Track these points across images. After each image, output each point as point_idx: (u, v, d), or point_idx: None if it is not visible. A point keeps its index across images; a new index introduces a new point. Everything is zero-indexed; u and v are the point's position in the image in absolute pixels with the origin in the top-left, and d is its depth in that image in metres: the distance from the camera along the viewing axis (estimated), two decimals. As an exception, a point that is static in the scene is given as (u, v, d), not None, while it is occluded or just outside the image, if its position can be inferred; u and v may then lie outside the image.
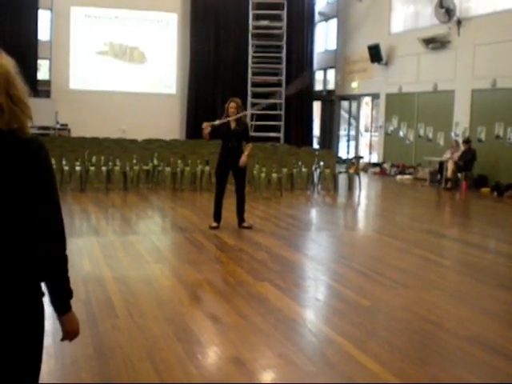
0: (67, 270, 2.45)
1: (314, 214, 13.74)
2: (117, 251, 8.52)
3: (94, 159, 15.52)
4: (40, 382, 2.45)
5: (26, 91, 2.29)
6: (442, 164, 18.34)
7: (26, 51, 23.81)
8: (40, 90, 25.27)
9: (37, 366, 2.42)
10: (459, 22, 19.14)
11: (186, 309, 6.01)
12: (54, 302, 2.43)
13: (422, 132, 21.28)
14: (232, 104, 10.17)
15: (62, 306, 2.46)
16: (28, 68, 24.00)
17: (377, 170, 22.49)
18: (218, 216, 10.31)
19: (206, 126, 10.03)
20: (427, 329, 5.69)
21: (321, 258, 8.97)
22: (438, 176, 18.53)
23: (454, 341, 5.38)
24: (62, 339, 2.53)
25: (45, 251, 2.35)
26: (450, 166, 17.77)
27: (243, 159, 10.23)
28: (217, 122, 10.16)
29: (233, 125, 10.18)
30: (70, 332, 2.50)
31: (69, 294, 2.47)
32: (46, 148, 2.35)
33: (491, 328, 5.80)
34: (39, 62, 25.63)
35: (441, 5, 19.38)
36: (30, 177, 2.27)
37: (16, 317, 2.28)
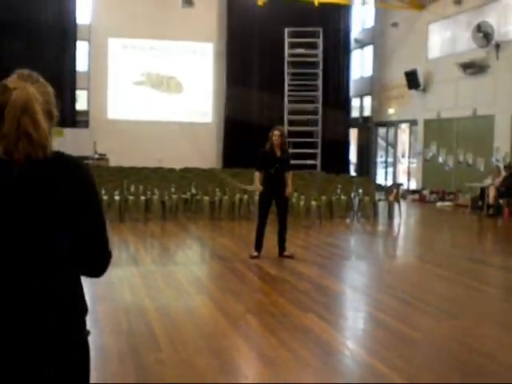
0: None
1: (354, 242, 13.54)
2: (157, 281, 8.45)
3: (132, 189, 15.57)
4: None
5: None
6: (483, 190, 18.02)
7: (64, 82, 24.16)
8: (78, 120, 25.61)
9: None
10: (497, 46, 18.93)
11: (230, 342, 5.89)
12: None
13: (461, 158, 21.01)
14: (276, 132, 10.10)
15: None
16: (66, 98, 24.35)
17: (416, 196, 22.21)
18: (259, 245, 10.19)
19: (259, 188, 10.08)
20: (480, 362, 5.48)
21: (364, 287, 8.79)
22: (480, 202, 18.19)
23: (510, 374, 5.18)
24: None
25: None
26: (492, 192, 17.45)
27: (290, 190, 10.25)
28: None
29: (278, 153, 10.11)
30: None
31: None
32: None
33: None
34: (77, 92, 25.94)
35: (479, 29, 19.21)
36: (81, 196, 2.25)
37: (62, 354, 2.18)
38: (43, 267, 2.17)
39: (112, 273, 8.83)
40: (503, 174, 17.62)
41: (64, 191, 2.19)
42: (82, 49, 26.19)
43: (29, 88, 2.17)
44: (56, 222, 2.19)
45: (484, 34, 19.12)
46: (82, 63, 26.27)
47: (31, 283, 2.15)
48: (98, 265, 2.35)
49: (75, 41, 25.55)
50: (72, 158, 2.28)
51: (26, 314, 2.12)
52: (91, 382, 2.37)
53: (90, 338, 2.31)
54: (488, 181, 18.01)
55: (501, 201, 17.28)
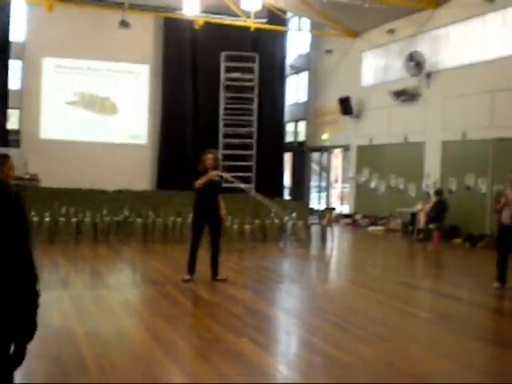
0: (38, 307, 2.57)
1: (287, 265, 13.58)
2: (88, 305, 8.28)
3: (63, 210, 15.27)
4: None
5: None
6: (413, 215, 18.39)
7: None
8: (9, 139, 25.07)
9: None
10: (429, 75, 19.43)
11: (161, 366, 5.79)
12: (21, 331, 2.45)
13: (393, 183, 21.38)
14: (209, 155, 10.13)
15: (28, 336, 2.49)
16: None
17: (349, 221, 22.49)
18: (192, 268, 10.11)
19: (215, 174, 10.05)
20: (410, 384, 5.55)
21: (297, 311, 8.81)
22: (410, 227, 18.54)
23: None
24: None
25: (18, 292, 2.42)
26: (422, 217, 17.82)
27: (224, 212, 10.24)
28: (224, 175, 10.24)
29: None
30: (21, 358, 2.50)
31: (35, 326, 2.54)
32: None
33: (475, 382, 5.67)
34: (9, 111, 25.41)
35: (411, 58, 19.68)
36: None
37: None
38: None
39: (41, 295, 8.62)
40: (433, 199, 17.99)
41: None
42: (15, 67, 25.71)
43: None
44: None
45: (416, 63, 19.59)
46: (14, 82, 25.77)
47: None
48: (26, 292, 2.33)
49: (8, 59, 25.05)
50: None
51: None
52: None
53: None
54: (418, 206, 18.38)
55: (431, 226, 17.63)
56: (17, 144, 25.61)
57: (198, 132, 26.96)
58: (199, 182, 9.96)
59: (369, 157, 22.84)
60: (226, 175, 10.53)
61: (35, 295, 2.51)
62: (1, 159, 6.65)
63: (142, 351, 6.28)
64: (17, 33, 25.60)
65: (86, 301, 8.55)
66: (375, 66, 23.01)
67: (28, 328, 2.48)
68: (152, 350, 6.28)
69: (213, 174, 10.04)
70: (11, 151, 23.72)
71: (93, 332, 6.86)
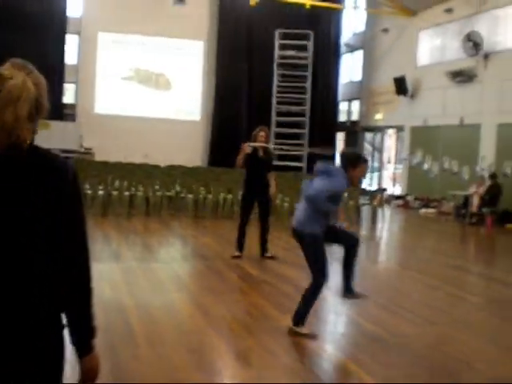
0: (92, 306, 2.29)
1: (337, 245, 13.49)
2: (138, 278, 8.41)
3: (116, 184, 15.51)
4: None
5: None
6: (467, 198, 18.11)
7: (52, 74, 23.99)
8: (65, 113, 25.49)
9: None
10: (486, 56, 19.04)
11: (208, 340, 5.86)
12: (76, 341, 2.25)
13: (446, 165, 21.09)
14: (262, 133, 10.10)
15: (86, 347, 2.27)
16: (54, 91, 24.19)
17: (400, 202, 22.29)
18: (240, 245, 10.18)
19: (246, 146, 9.93)
20: (456, 368, 5.50)
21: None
22: (463, 210, 18.28)
23: (482, 381, 5.20)
24: (81, 381, 2.27)
25: (69, 281, 2.22)
26: (476, 201, 17.54)
27: (274, 190, 10.20)
28: (252, 145, 10.04)
29: (260, 153, 10.09)
30: (89, 372, 2.27)
31: (93, 332, 2.28)
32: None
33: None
34: (65, 85, 25.81)
35: (468, 38, 19.30)
36: (58, 200, 2.14)
37: (35, 351, 2.13)
38: (19, 265, 2.09)
39: (93, 268, 8.78)
40: (487, 183, 17.69)
41: (38, 189, 2.08)
42: (71, 42, 26.08)
43: (24, 79, 2.10)
44: (27, 221, 2.10)
45: (473, 43, 19.22)
46: (71, 56, 26.15)
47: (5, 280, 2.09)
48: (78, 284, 2.26)
49: (65, 33, 25.42)
50: (51, 153, 2.16)
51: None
52: (66, 377, 2.33)
53: (67, 334, 2.27)
54: (472, 189, 18.09)
55: (484, 210, 17.35)
56: (72, 118, 26.04)
57: (251, 109, 26.98)
58: (239, 158, 9.93)
59: (423, 138, 22.56)
60: (256, 145, 10.24)
61: (89, 294, 2.31)
62: (358, 161, 6.33)
63: (190, 325, 6.36)
64: (74, 8, 25.91)
65: (137, 273, 8.69)
66: (431, 45, 22.66)
67: (85, 338, 2.27)
68: (199, 325, 6.36)
69: (245, 145, 9.98)
70: (67, 125, 24.16)
71: (142, 304, 6.98)
